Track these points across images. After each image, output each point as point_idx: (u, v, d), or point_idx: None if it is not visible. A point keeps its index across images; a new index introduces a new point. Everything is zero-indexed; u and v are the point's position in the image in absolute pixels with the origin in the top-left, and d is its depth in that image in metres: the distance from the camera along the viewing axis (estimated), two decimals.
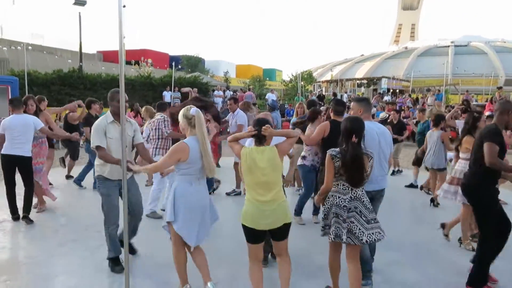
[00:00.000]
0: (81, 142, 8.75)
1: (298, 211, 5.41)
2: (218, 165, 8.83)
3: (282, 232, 3.05)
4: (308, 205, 5.53)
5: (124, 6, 2.96)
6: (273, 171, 2.97)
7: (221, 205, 5.64)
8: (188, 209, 3.13)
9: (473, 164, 3.60)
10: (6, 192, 5.34)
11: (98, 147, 3.70)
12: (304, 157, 5.36)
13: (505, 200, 5.74)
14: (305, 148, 5.39)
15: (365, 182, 3.13)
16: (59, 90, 17.49)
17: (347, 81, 37.75)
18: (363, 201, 3.12)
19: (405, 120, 11.04)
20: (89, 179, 7.18)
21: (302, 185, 5.99)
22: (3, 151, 5.18)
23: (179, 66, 33.12)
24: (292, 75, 31.81)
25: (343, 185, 3.13)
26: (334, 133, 3.90)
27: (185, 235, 3.13)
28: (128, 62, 25.86)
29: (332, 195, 3.16)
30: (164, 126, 5.73)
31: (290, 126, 6.81)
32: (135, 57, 28.40)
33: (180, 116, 3.26)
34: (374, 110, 14.87)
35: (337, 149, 3.14)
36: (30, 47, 25.26)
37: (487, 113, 8.75)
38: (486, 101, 19.39)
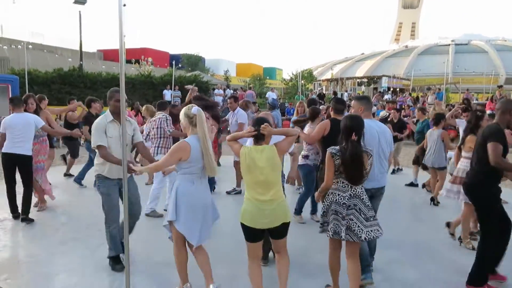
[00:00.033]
0: (82, 142, 8.76)
1: (298, 210, 5.41)
2: (218, 164, 8.84)
3: (280, 231, 3.06)
4: (308, 204, 5.54)
5: (124, 5, 2.96)
6: (272, 170, 2.97)
7: (221, 204, 5.64)
8: (190, 208, 3.13)
9: (475, 163, 3.59)
10: (7, 191, 5.35)
11: (99, 146, 3.70)
12: (306, 156, 5.32)
13: (505, 199, 5.73)
14: (307, 147, 5.38)
15: (364, 179, 3.15)
16: (60, 89, 17.47)
17: (348, 80, 37.74)
18: (363, 198, 3.14)
19: (405, 118, 11.02)
20: (89, 178, 7.19)
21: (302, 183, 5.99)
22: (3, 150, 5.19)
23: (180, 65, 33.10)
24: (293, 74, 31.76)
25: (343, 182, 3.14)
26: (334, 132, 3.90)
27: (187, 234, 3.14)
28: (128, 61, 25.85)
29: (331, 193, 3.18)
30: (167, 125, 5.73)
31: (291, 125, 6.80)
32: (135, 55, 28.40)
33: (182, 115, 3.26)
34: (374, 108, 14.86)
35: (337, 147, 3.15)
36: (30, 46, 25.21)
37: (487, 111, 8.73)
38: (487, 99, 19.36)
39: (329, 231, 3.15)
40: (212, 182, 6.49)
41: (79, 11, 19.01)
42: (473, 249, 4.30)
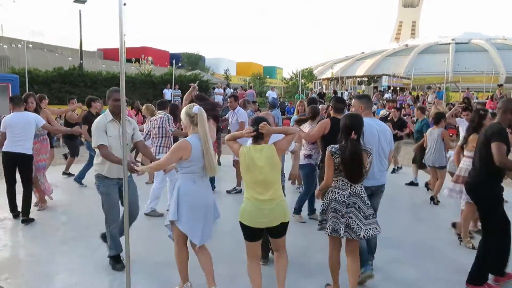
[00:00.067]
0: (84, 142, 8.76)
1: (298, 210, 5.41)
2: (219, 163, 8.84)
3: (279, 231, 3.07)
4: (306, 205, 5.53)
5: (124, 4, 2.96)
6: (271, 170, 2.97)
7: (222, 203, 5.64)
8: (192, 207, 3.13)
9: (478, 163, 3.59)
10: (7, 190, 5.35)
11: (100, 146, 3.70)
12: (309, 156, 5.27)
13: (506, 198, 5.72)
14: (309, 147, 5.34)
15: (364, 178, 3.16)
16: (60, 88, 17.46)
17: (348, 79, 37.70)
18: (362, 197, 3.16)
19: (405, 117, 11.03)
20: (90, 177, 7.18)
21: (302, 182, 5.99)
22: (4, 149, 5.19)
23: (180, 64, 33.11)
24: (293, 73, 31.71)
25: (342, 181, 3.16)
26: (334, 130, 3.90)
27: (190, 233, 3.14)
28: (128, 60, 25.89)
29: (331, 191, 3.20)
30: (169, 124, 5.74)
31: (291, 124, 6.80)
32: (135, 54, 28.42)
33: (183, 114, 3.26)
34: (374, 107, 14.86)
35: (337, 146, 3.17)
36: (30, 45, 25.23)
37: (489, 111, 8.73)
38: (487, 98, 19.37)
39: (327, 229, 3.17)
40: (211, 182, 6.47)
41: (79, 10, 19.03)
42: (473, 248, 4.31)
